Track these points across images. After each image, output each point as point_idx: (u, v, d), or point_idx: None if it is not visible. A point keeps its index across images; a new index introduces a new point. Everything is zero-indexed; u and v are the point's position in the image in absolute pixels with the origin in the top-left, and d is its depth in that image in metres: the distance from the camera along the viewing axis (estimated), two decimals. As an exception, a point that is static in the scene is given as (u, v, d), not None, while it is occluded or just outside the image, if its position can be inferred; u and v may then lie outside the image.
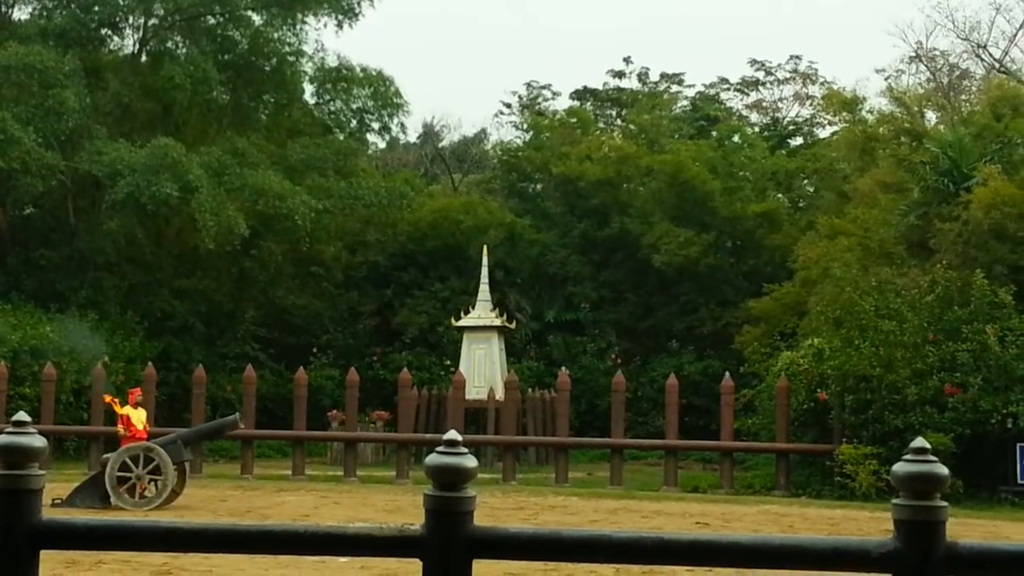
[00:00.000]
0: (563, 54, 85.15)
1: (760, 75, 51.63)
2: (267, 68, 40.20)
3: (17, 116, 33.39)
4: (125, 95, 37.92)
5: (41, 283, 35.67)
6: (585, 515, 20.71)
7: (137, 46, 40.63)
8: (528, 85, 52.89)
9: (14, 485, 3.92)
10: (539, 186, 47.85)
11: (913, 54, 46.62)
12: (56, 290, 35.43)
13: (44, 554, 3.99)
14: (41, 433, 4.12)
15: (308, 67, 41.80)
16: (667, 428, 28.70)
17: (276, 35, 40.07)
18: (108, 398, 24.74)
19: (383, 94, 41.49)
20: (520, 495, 24.64)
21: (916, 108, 38.42)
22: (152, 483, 20.42)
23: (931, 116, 39.75)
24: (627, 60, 51.95)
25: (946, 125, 36.43)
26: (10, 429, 4.00)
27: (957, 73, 46.19)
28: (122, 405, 22.91)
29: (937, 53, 46.76)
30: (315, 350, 40.86)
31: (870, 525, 19.47)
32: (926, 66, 46.44)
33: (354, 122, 42.88)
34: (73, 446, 31.09)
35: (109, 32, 40.24)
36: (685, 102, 52.26)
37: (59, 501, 19.74)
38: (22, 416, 4.06)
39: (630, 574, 12.90)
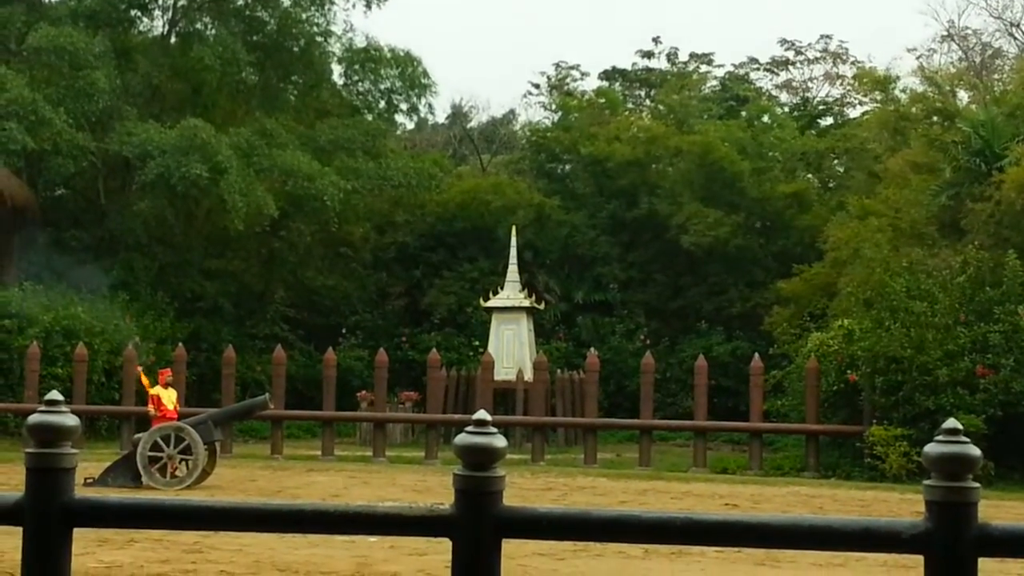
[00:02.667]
0: (592, 34, 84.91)
1: (790, 55, 51.30)
2: (295, 49, 40.22)
3: (48, 97, 33.56)
4: (155, 76, 38.08)
5: (72, 264, 35.87)
6: (614, 496, 20.72)
7: (166, 27, 40.74)
8: (557, 66, 52.76)
9: (47, 463, 3.95)
10: (568, 167, 47.76)
11: (945, 33, 46.31)
12: (87, 271, 35.63)
13: (76, 532, 4.02)
14: (73, 413, 4.14)
15: (336, 48, 41.86)
16: (696, 409, 28.64)
17: (304, 16, 40.07)
18: (142, 375, 24.84)
19: (411, 75, 41.49)
20: (549, 476, 24.67)
21: (948, 88, 38.15)
22: (183, 463, 20.54)
23: (963, 96, 39.46)
24: (656, 40, 51.80)
25: (978, 104, 36.14)
26: (43, 408, 4.03)
27: (990, 52, 45.85)
28: (152, 383, 23.03)
29: (969, 32, 46.47)
30: (344, 331, 40.96)
31: (900, 507, 19.42)
32: (958, 45, 46.13)
33: (382, 103, 42.88)
34: (105, 426, 31.27)
35: (139, 13, 40.32)
36: (714, 82, 52.01)
37: (91, 480, 19.88)
38: (55, 395, 4.08)
39: (659, 554, 12.93)
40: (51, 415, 3.99)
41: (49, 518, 3.92)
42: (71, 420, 4.02)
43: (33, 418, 4.02)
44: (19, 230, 35.58)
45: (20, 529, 3.95)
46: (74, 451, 4.04)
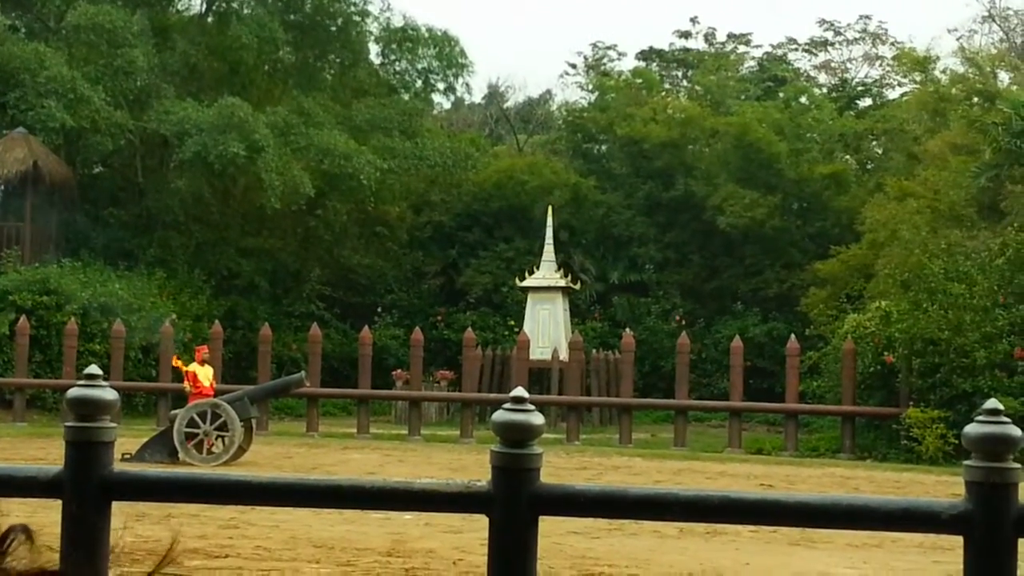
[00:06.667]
0: (629, 14, 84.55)
1: (829, 35, 50.95)
2: (333, 28, 40.21)
3: (87, 75, 33.76)
4: (192, 55, 38.16)
5: (110, 241, 36.07)
6: (649, 476, 20.70)
7: (204, 6, 40.84)
8: (594, 46, 52.64)
9: (87, 437, 3.97)
10: (604, 147, 47.63)
11: (986, 14, 45.92)
12: (124, 248, 35.80)
13: (114, 507, 4.03)
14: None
15: (374, 27, 41.82)
16: (731, 390, 28.59)
17: (342, -5, 40.09)
18: (175, 359, 25.01)
19: (448, 54, 41.43)
20: (584, 455, 24.68)
21: (989, 68, 37.85)
22: (219, 439, 20.64)
23: (1004, 77, 39.14)
24: (694, 20, 51.54)
25: (1019, 86, 35.83)
26: (82, 382, 4.04)
27: (1031, 33, 45.43)
28: (188, 364, 23.15)
29: (1011, 12, 46.03)
30: (380, 309, 41.05)
31: (936, 489, 19.31)
32: (999, 26, 45.72)
33: (419, 82, 42.85)
34: (142, 402, 31.49)
35: (177, -8, 40.54)
36: (752, 63, 51.70)
37: (128, 456, 20.00)
38: (94, 369, 4.09)
39: (694, 534, 12.92)
40: (90, 389, 4.01)
41: (88, 491, 3.93)
42: (110, 394, 4.03)
43: (72, 392, 4.03)
44: (57, 207, 35.80)
45: (59, 502, 3.97)
46: (113, 425, 4.05)
